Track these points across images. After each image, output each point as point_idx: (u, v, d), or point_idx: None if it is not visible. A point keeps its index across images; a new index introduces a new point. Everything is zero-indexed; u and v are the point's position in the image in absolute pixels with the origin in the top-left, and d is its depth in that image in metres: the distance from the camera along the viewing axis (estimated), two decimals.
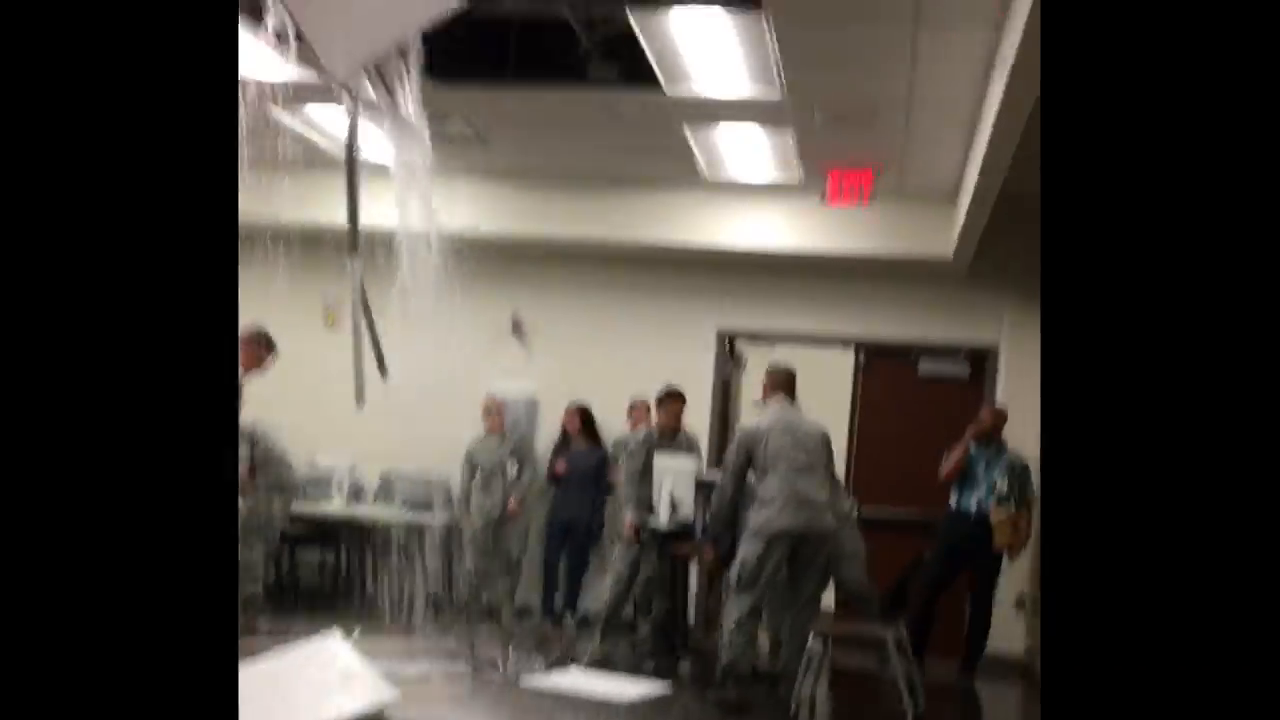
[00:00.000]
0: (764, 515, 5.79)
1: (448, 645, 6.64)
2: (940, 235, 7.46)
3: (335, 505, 8.15)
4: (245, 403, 7.78)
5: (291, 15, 3.81)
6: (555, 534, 8.27)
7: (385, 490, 8.51)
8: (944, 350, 8.24)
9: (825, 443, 6.00)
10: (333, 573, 8.50)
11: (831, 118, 6.16)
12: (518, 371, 8.65)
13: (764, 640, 6.33)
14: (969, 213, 6.48)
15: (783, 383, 6.12)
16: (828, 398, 8.94)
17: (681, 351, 8.48)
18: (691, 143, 6.82)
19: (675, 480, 6.58)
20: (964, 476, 7.10)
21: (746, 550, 5.80)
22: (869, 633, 6.13)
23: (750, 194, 7.83)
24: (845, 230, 7.68)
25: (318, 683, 4.79)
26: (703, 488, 6.59)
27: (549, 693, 5.90)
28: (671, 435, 7.20)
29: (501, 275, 8.13)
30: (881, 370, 8.40)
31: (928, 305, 8.17)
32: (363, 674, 4.88)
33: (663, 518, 6.58)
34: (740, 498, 5.96)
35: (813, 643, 5.83)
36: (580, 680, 6.25)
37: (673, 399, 7.25)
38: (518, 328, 8.68)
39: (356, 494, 8.37)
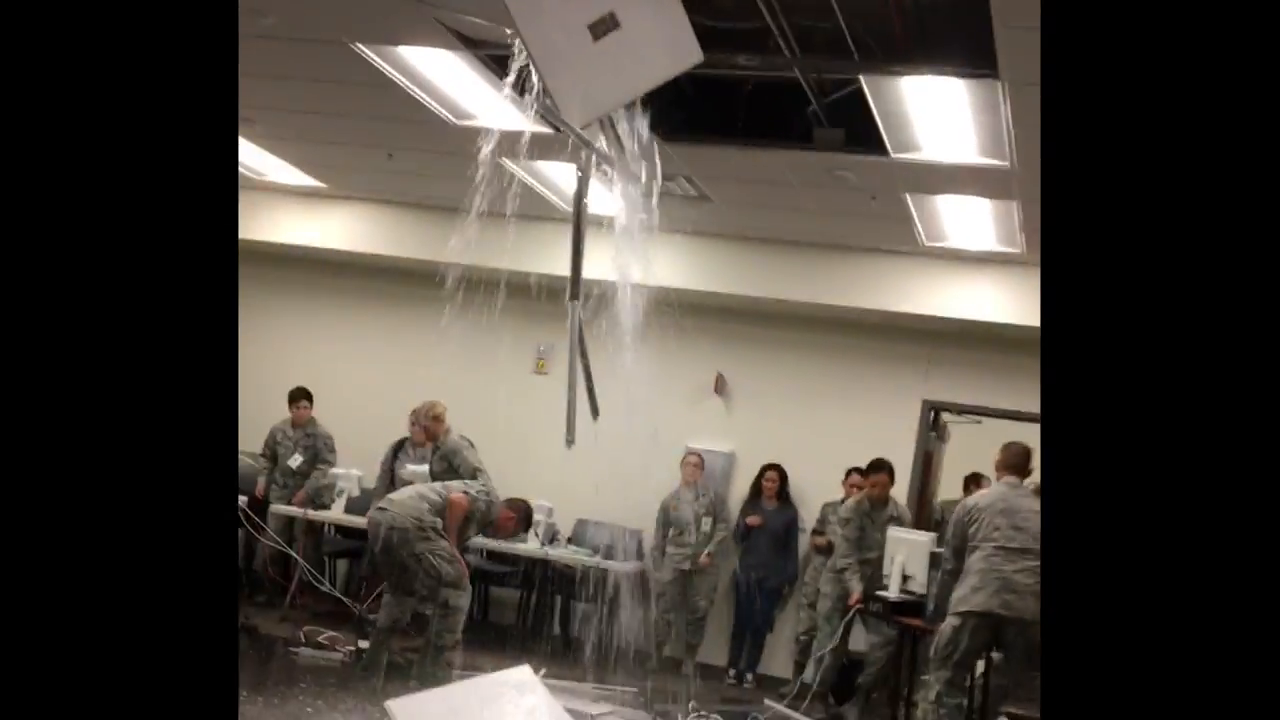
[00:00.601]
0: (961, 592, 5.73)
1: (631, 692, 6.67)
2: None
3: (531, 546, 8.33)
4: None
5: (535, 65, 4.02)
6: (743, 591, 8.26)
7: (579, 536, 8.65)
8: None
9: None
10: (524, 611, 8.67)
11: None
12: (718, 428, 8.70)
13: None
14: None
15: (1013, 461, 6.03)
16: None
17: (884, 419, 8.36)
18: (912, 209, 6.78)
19: (910, 552, 6.61)
20: None
21: (945, 625, 5.73)
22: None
23: (968, 263, 7.69)
24: None
25: (505, 713, 4.89)
26: (938, 560, 6.54)
27: None
28: (882, 505, 7.26)
29: (710, 332, 8.22)
30: None
31: None
32: (549, 709, 4.96)
33: (893, 589, 6.62)
34: (958, 574, 5.88)
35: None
36: None
37: (879, 470, 7.31)
38: (721, 385, 8.74)
39: (552, 538, 8.53)
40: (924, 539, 6.83)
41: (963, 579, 5.74)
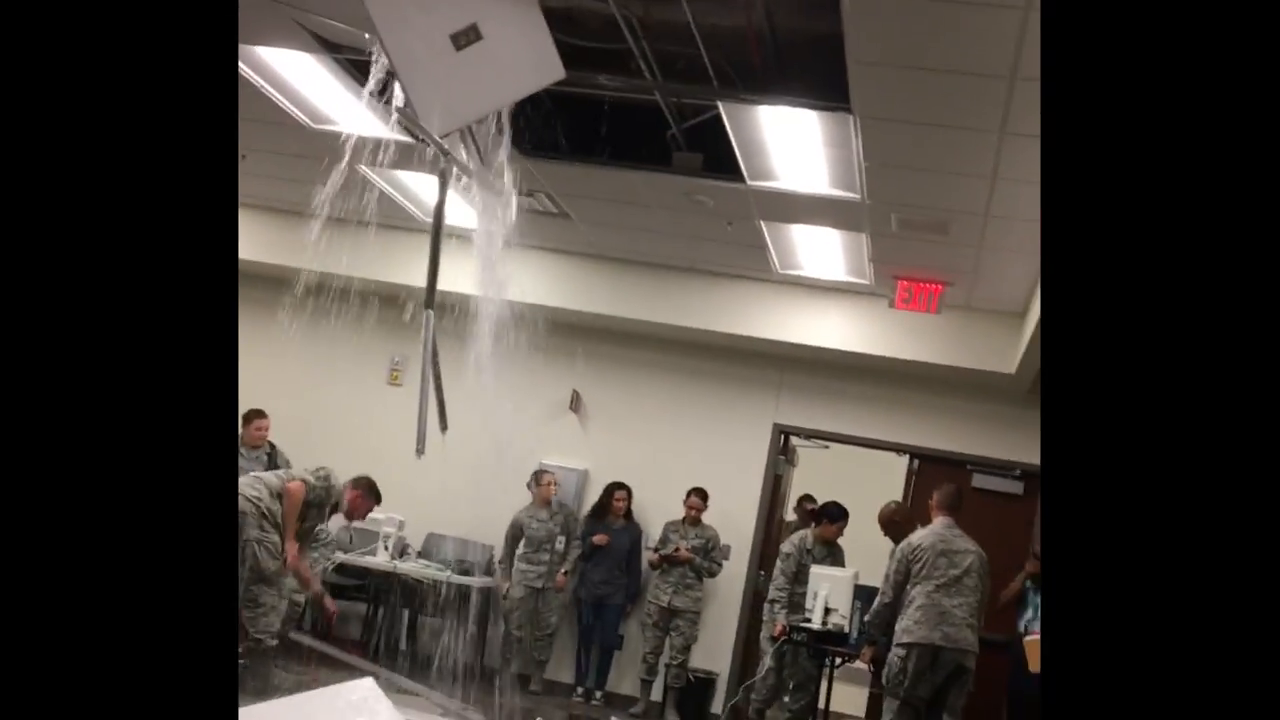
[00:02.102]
0: (904, 624, 6.24)
1: (477, 706, 6.63)
2: (1005, 351, 7.48)
3: (380, 560, 8.21)
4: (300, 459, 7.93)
5: (396, 72, 4.00)
6: (586, 609, 8.30)
7: (430, 550, 8.57)
8: (999, 465, 8.20)
9: (978, 565, 6.33)
10: (371, 626, 8.54)
11: (907, 224, 6.25)
12: (573, 445, 8.74)
13: None
14: (1036, 331, 6.51)
15: (948, 501, 6.56)
16: (878, 501, 8.91)
17: (736, 441, 8.53)
18: (766, 236, 6.94)
19: (833, 587, 7.03)
20: (1020, 603, 7.36)
21: (891, 656, 6.23)
22: None
23: (819, 292, 7.92)
24: (910, 337, 7.72)
25: None
26: (861, 592, 7.07)
27: None
28: (824, 545, 7.73)
29: (568, 350, 8.25)
30: (935, 477, 8.35)
31: (986, 418, 8.16)
32: None
33: (816, 621, 7.04)
34: (898, 607, 6.36)
35: None
36: None
37: (840, 519, 7.78)
38: (576, 402, 8.78)
39: (401, 551, 8.44)
40: (847, 574, 7.34)
41: (905, 613, 6.25)
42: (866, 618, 6.69)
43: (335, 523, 8.30)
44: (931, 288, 7.05)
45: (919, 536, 6.50)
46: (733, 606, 8.44)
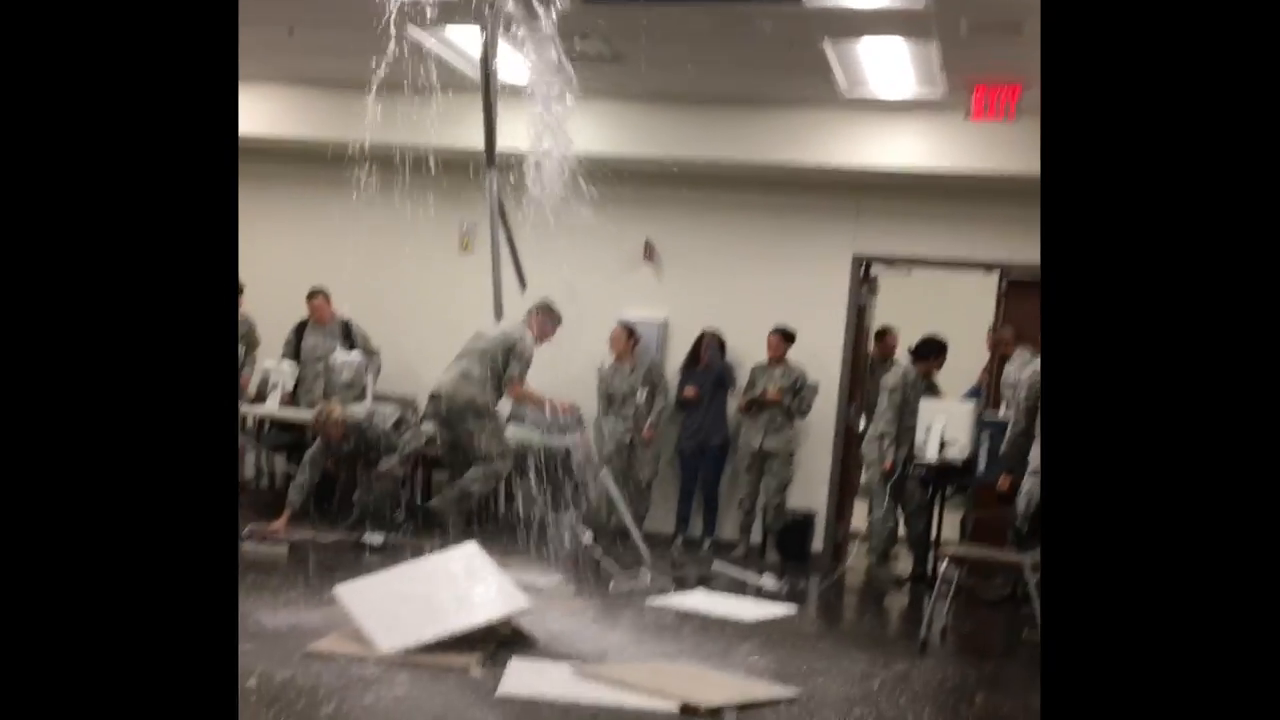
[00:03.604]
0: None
1: (579, 564, 6.72)
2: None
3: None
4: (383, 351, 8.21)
5: None
6: (686, 459, 8.33)
7: (517, 413, 8.61)
8: None
9: None
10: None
11: (978, 27, 5.91)
12: (649, 296, 8.64)
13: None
14: None
15: None
16: (966, 325, 8.73)
17: (815, 276, 8.35)
18: (831, 57, 6.63)
19: (949, 420, 7.20)
20: None
21: (1031, 484, 6.08)
22: (1007, 560, 6.01)
23: (890, 111, 7.59)
24: (988, 148, 7.38)
25: (457, 589, 4.89)
26: (986, 426, 7.17)
27: (677, 611, 5.93)
28: (928, 380, 7.77)
29: (634, 198, 8.07)
30: (1026, 295, 8.12)
31: None
32: (499, 582, 4.97)
33: (930, 454, 7.17)
34: (1033, 434, 6.27)
35: (945, 568, 5.75)
36: (708, 601, 6.27)
37: (942, 352, 7.78)
38: (650, 252, 8.64)
39: None
40: (966, 407, 7.51)
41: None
42: (1003, 448, 6.64)
43: (427, 393, 8.39)
44: (1008, 93, 6.70)
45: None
46: (825, 444, 8.39)
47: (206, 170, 1.76)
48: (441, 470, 8.51)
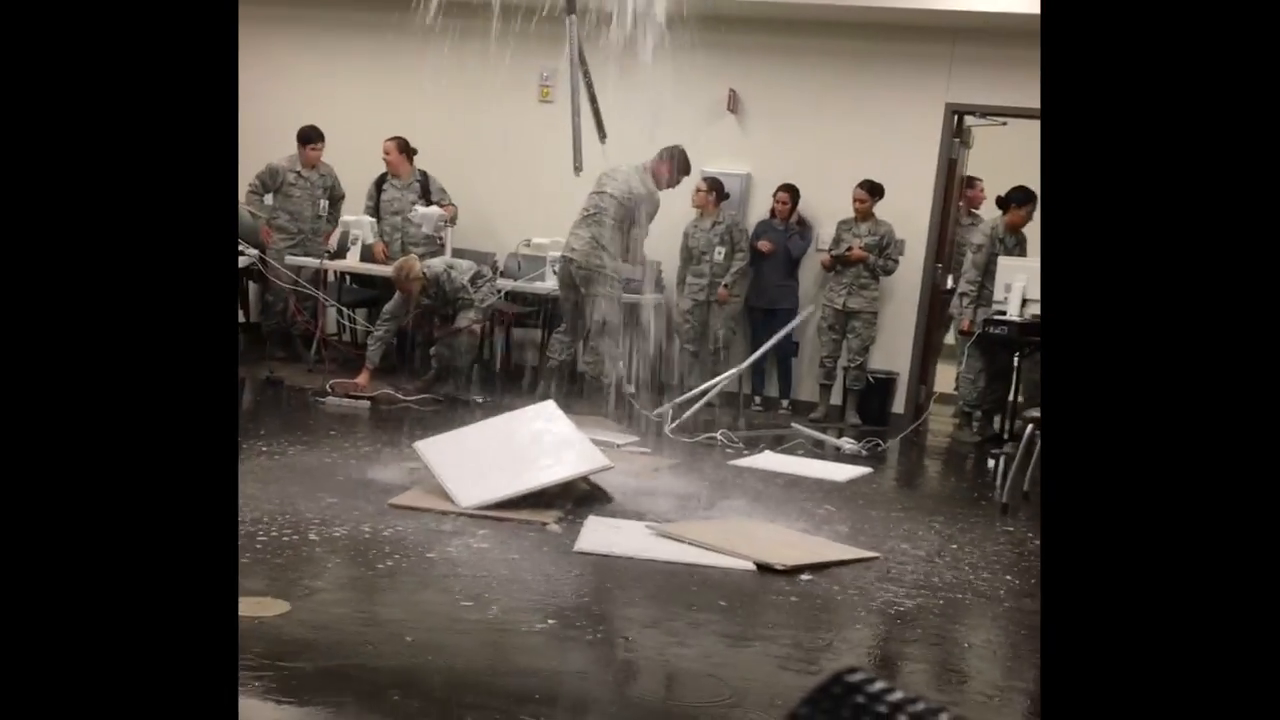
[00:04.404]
0: None
1: (658, 422, 6.70)
2: None
3: (549, 285, 8.22)
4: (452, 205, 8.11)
5: None
6: (757, 317, 8.19)
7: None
8: None
9: None
10: (546, 350, 8.66)
11: None
12: (733, 149, 8.40)
13: None
14: None
15: None
16: None
17: (905, 127, 8.03)
18: None
19: (1030, 278, 7.05)
20: None
21: None
22: None
23: None
24: None
25: (535, 447, 4.90)
26: None
27: (756, 470, 5.90)
28: (1017, 235, 7.66)
29: (718, 45, 7.77)
30: None
31: None
32: (577, 440, 4.96)
33: (1012, 311, 7.08)
34: None
35: (1030, 430, 5.63)
36: (786, 462, 6.23)
37: (1028, 201, 7.53)
38: (733, 102, 8.37)
39: None
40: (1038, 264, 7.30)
41: None
42: None
43: (505, 249, 8.34)
44: None
45: None
46: (910, 304, 8.20)
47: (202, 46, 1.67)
48: (520, 327, 8.51)
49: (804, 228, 8.18)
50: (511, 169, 8.47)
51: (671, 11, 5.62)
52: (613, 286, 6.91)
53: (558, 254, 7.27)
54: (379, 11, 8.66)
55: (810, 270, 8.22)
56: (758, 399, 8.27)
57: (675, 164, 7.02)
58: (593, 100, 5.70)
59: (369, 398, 6.81)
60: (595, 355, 6.94)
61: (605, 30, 5.68)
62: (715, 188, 8.04)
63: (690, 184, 7.91)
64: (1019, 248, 7.65)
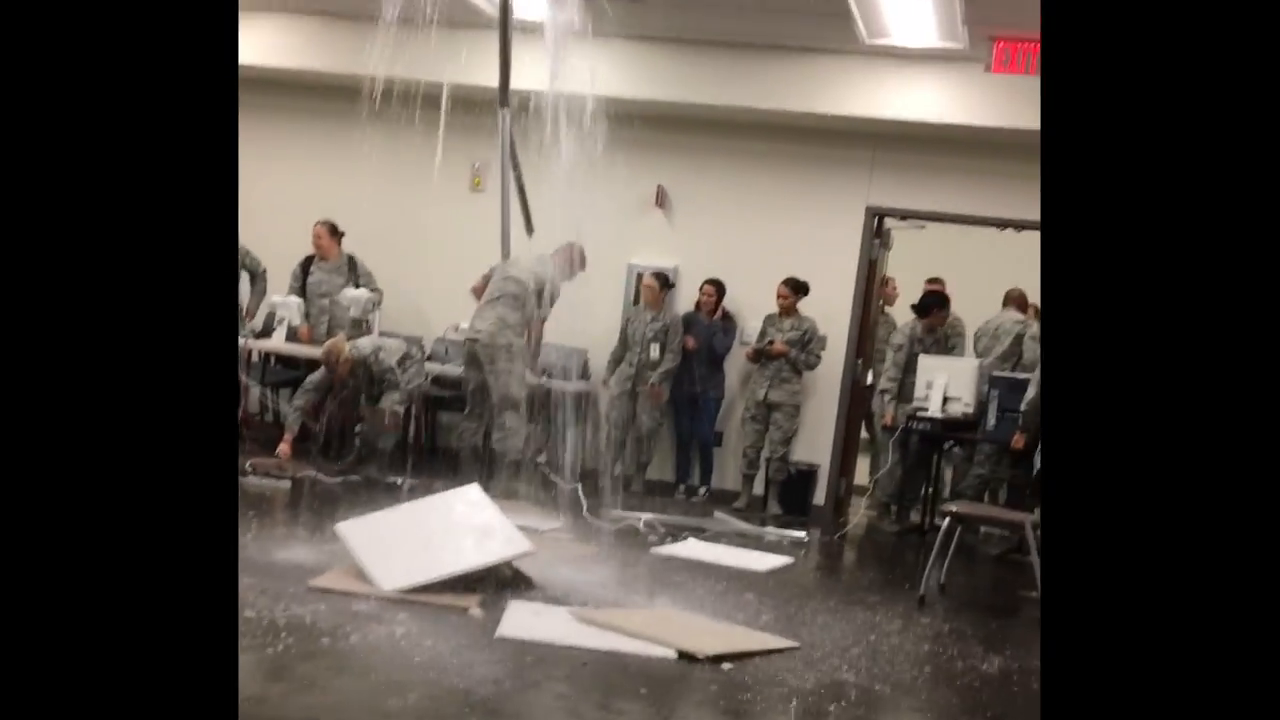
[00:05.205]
0: None
1: (581, 509, 6.72)
2: None
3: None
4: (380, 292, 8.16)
5: None
6: (683, 407, 8.29)
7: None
8: None
9: None
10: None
11: None
12: (660, 243, 8.57)
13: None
14: None
15: None
16: (982, 280, 8.65)
17: (828, 228, 8.26)
18: (852, 3, 6.51)
19: (952, 376, 7.35)
20: None
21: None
22: (1007, 518, 6.03)
23: (910, 61, 7.46)
24: (1010, 102, 7.26)
25: (459, 531, 4.89)
26: (998, 382, 7.31)
27: (678, 559, 5.94)
28: (931, 332, 7.97)
29: (647, 142, 7.97)
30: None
31: None
32: (501, 525, 4.97)
33: (934, 408, 7.31)
34: None
35: (947, 524, 5.75)
36: (709, 550, 6.27)
37: (944, 306, 8.00)
38: (661, 198, 8.56)
39: None
40: (970, 363, 7.65)
41: None
42: (1023, 406, 6.74)
43: (433, 333, 8.37)
44: (1030, 46, 6.58)
45: None
46: (832, 398, 8.35)
47: (206, 113, 1.72)
48: (447, 410, 8.50)
49: (729, 322, 8.34)
50: (442, 254, 8.54)
51: (602, 109, 5.78)
52: (519, 364, 7.00)
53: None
54: (313, 97, 8.76)
55: (736, 363, 8.36)
56: (682, 487, 8.33)
57: (575, 257, 7.18)
58: (521, 192, 5.82)
59: (290, 478, 6.74)
60: (503, 431, 6.98)
61: (538, 124, 5.82)
62: (665, 284, 8.21)
63: (613, 275, 8.05)
64: (936, 346, 7.89)
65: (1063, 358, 1.70)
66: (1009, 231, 8.08)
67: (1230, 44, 1.64)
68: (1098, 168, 1.70)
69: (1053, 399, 1.72)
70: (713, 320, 8.27)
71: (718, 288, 8.23)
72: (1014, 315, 8.26)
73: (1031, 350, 7.92)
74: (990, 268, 8.61)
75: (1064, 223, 1.71)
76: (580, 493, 6.78)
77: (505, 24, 5.38)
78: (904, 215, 8.33)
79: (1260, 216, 1.61)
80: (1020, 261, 8.30)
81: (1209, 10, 1.64)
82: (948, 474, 8.24)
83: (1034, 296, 8.20)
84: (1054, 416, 1.71)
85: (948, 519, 5.79)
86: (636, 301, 8.36)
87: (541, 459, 7.20)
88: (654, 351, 8.12)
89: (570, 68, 5.81)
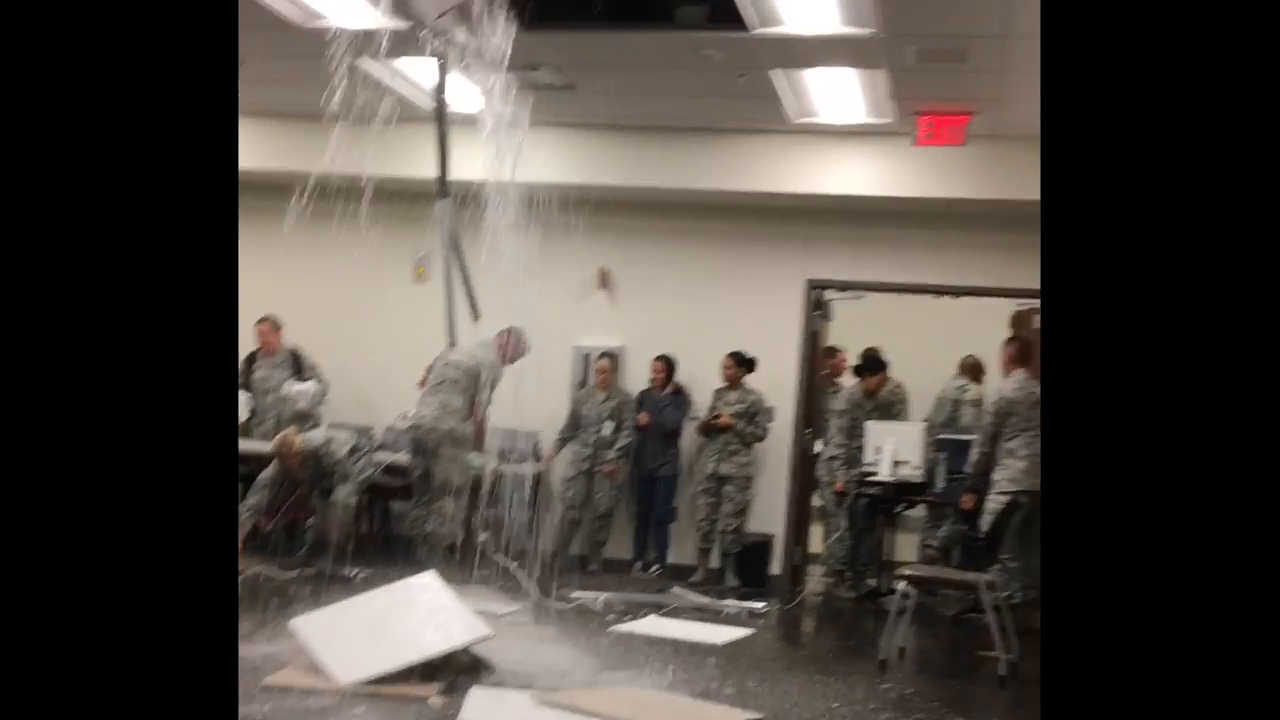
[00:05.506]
0: (1008, 474, 6.55)
1: (538, 591, 6.70)
2: (1037, 178, 7.25)
3: None
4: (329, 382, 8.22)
5: None
6: (642, 485, 8.34)
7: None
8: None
9: None
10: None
11: (925, 56, 6.02)
12: (605, 323, 8.66)
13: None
14: None
15: (1019, 356, 6.86)
16: (924, 345, 8.81)
17: (769, 302, 8.41)
18: (780, 85, 6.72)
19: (900, 440, 7.45)
20: None
21: (994, 503, 6.45)
22: (960, 580, 6.10)
23: (840, 138, 7.70)
24: (939, 174, 7.51)
25: (415, 619, 4.86)
26: (945, 445, 7.46)
27: (638, 636, 5.93)
28: (873, 398, 8.03)
29: (588, 226, 8.07)
30: (980, 314, 8.26)
31: (1027, 249, 7.95)
32: (457, 612, 4.95)
33: (884, 473, 7.36)
34: (995, 457, 6.69)
35: (903, 588, 5.80)
36: (668, 626, 6.27)
37: (879, 369, 8.06)
38: (604, 279, 8.67)
39: None
40: (916, 427, 7.75)
41: (1006, 463, 6.58)
42: (969, 469, 6.96)
43: (382, 422, 8.37)
44: (956, 120, 6.82)
45: (1010, 389, 6.74)
46: (782, 468, 8.44)
47: (204, 192, 1.78)
48: (398, 499, 8.47)
49: (681, 396, 8.41)
50: (389, 343, 8.56)
51: (542, 196, 5.89)
52: (462, 450, 7.08)
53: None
54: (254, 194, 8.80)
55: (690, 436, 8.43)
56: (639, 563, 8.34)
57: (514, 342, 7.27)
58: (465, 279, 5.89)
59: (241, 574, 6.66)
60: (440, 516, 7.02)
61: (479, 213, 5.91)
62: (614, 364, 8.30)
63: (560, 356, 8.12)
64: (877, 411, 7.98)
65: (1062, 385, 1.72)
66: (945, 298, 8.27)
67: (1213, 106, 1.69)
68: (1097, 233, 1.74)
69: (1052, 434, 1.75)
70: (663, 395, 8.35)
71: (667, 363, 8.33)
72: (956, 381, 8.49)
73: (970, 413, 8.13)
74: (929, 333, 8.79)
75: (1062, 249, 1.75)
76: (535, 574, 6.76)
77: (442, 118, 5.50)
78: (842, 286, 8.51)
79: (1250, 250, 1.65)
80: (961, 326, 8.51)
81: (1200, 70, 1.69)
82: (899, 537, 8.33)
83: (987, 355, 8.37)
84: (1053, 439, 1.75)
85: (903, 582, 5.85)
86: (583, 384, 8.44)
87: (492, 543, 7.19)
88: (607, 429, 8.18)
89: (508, 157, 5.93)
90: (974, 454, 6.86)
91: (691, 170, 8.00)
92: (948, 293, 8.28)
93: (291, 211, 5.86)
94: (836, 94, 6.87)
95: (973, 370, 8.64)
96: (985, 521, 6.47)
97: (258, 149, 8.42)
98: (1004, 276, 8.02)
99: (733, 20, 5.66)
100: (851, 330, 9.15)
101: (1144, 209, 1.71)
